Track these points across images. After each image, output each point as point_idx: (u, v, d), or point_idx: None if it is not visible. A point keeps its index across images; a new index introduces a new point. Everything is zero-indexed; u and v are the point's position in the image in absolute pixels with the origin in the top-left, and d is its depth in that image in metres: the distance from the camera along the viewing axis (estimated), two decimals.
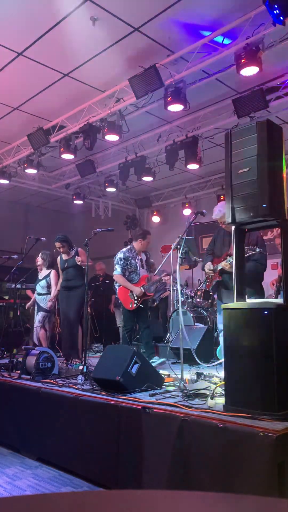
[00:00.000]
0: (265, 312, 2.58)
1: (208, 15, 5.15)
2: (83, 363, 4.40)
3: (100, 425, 3.21)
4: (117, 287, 5.86)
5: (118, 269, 5.64)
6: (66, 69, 6.28)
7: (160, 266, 5.36)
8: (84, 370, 4.16)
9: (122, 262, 5.65)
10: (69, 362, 5.28)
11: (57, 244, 5.97)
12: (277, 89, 6.60)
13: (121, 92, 6.52)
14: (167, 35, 5.56)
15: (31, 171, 8.76)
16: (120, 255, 5.70)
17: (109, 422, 3.12)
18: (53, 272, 6.66)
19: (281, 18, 4.03)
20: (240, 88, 6.67)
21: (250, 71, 5.40)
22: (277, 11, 3.97)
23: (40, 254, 6.94)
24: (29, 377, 4.44)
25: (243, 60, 5.27)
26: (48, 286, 6.70)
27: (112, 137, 7.16)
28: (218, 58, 5.54)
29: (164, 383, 3.68)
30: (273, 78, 6.43)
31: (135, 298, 5.60)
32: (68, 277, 5.95)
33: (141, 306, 5.61)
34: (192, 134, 7.71)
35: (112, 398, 3.22)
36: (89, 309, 7.54)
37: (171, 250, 4.18)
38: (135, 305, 5.59)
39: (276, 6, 3.96)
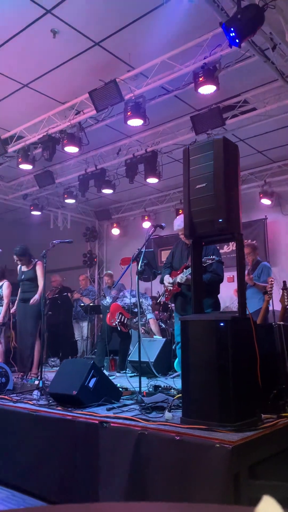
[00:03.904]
0: (221, 324, 2.62)
1: (168, 33, 5.28)
2: (39, 378, 4.30)
3: (56, 441, 3.13)
4: (109, 302, 6.52)
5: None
6: (26, 80, 6.24)
7: (119, 278, 5.37)
8: (40, 385, 4.07)
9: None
10: (25, 376, 5.15)
11: (15, 258, 5.84)
12: (233, 108, 6.84)
13: (81, 104, 6.53)
14: (128, 51, 5.65)
15: None
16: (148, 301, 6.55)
17: (66, 438, 3.05)
18: (5, 284, 6.48)
19: (237, 40, 4.19)
20: (198, 105, 6.85)
21: (207, 89, 5.57)
22: (233, 34, 4.12)
23: None
24: None
25: (200, 79, 5.43)
26: (1, 298, 6.52)
27: (71, 149, 7.15)
28: (177, 75, 5.68)
29: (122, 397, 3.66)
30: (230, 97, 6.66)
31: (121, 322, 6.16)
32: (25, 289, 5.82)
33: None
34: (152, 148, 7.83)
35: (68, 413, 3.16)
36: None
37: (131, 262, 4.20)
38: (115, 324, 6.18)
39: (232, 29, 4.12)
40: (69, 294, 9.46)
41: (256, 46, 5.00)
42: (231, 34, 4.16)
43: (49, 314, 9.05)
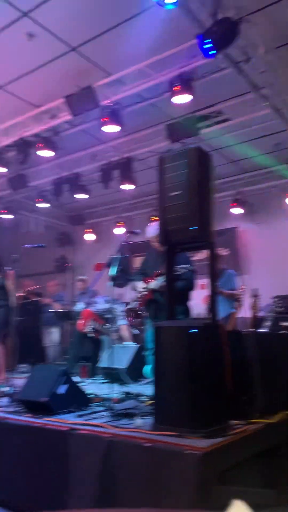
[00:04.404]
0: (193, 331, 2.64)
1: (145, 41, 5.32)
2: (6, 384, 4.21)
3: (25, 449, 3.07)
4: (82, 307, 6.44)
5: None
6: (0, 82, 6.16)
7: (93, 284, 5.35)
8: (10, 391, 3.98)
9: None
10: None
11: None
12: (208, 118, 6.94)
13: (57, 109, 6.50)
14: (104, 57, 5.67)
15: None
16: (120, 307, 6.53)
17: (35, 445, 3.00)
18: None
19: (212, 52, 4.27)
20: (174, 114, 6.92)
21: (183, 99, 5.64)
22: (208, 46, 4.20)
23: None
24: None
25: (176, 88, 5.50)
26: None
27: (46, 153, 7.09)
28: (153, 84, 5.73)
29: (92, 404, 3.62)
30: (205, 107, 6.76)
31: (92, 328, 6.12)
32: None
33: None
34: (127, 155, 7.85)
35: (37, 420, 3.10)
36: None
37: (105, 268, 4.19)
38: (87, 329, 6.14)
39: (207, 41, 4.19)
40: (39, 299, 9.32)
41: (231, 58, 5.11)
42: (206, 46, 4.24)
43: (19, 320, 8.89)
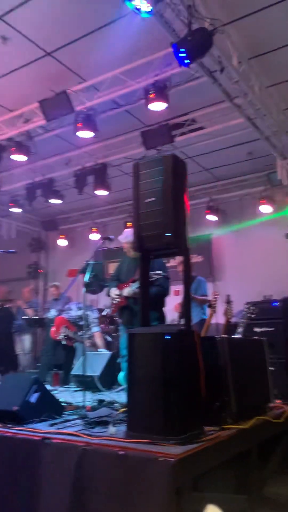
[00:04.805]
0: (167, 337, 2.64)
1: (120, 48, 5.35)
2: None
3: None
4: (54, 315, 6.40)
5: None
6: None
7: (66, 290, 5.29)
8: None
9: None
10: None
11: None
12: (182, 126, 7.02)
13: (31, 113, 6.44)
14: (80, 63, 5.67)
15: None
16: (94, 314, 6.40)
17: (5, 456, 2.92)
18: None
19: (186, 61, 4.32)
20: (148, 121, 6.97)
21: (157, 106, 5.69)
22: (183, 55, 4.25)
23: None
24: None
25: (151, 95, 5.55)
26: None
27: (19, 157, 7.01)
28: (128, 91, 5.76)
29: (65, 412, 3.57)
30: (179, 115, 6.84)
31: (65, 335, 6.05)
32: None
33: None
34: (102, 161, 7.84)
35: (8, 430, 3.03)
36: None
37: (78, 274, 4.15)
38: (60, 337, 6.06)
39: (182, 50, 4.25)
40: (11, 306, 9.15)
41: (205, 67, 5.19)
42: (181, 55, 4.29)
43: None
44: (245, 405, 3.01)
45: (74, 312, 6.21)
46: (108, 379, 5.52)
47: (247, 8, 4.80)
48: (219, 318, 5.19)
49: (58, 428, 2.98)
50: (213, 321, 5.16)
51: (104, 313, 7.78)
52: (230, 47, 5.00)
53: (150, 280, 3.84)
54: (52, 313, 6.81)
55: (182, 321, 2.98)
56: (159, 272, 4.20)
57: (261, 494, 2.89)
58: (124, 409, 3.08)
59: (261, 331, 4.49)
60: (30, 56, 5.52)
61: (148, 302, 3.11)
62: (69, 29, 5.11)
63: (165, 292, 4.49)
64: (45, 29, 5.09)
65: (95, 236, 10.63)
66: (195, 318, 5.51)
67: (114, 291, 4.66)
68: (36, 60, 5.59)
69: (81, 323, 5.88)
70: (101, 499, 2.41)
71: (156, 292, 4.28)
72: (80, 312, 5.97)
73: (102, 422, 3.09)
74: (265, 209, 8.76)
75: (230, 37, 4.96)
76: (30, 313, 8.91)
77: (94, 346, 6.56)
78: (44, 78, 5.91)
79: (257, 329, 4.52)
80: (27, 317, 8.75)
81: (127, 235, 4.53)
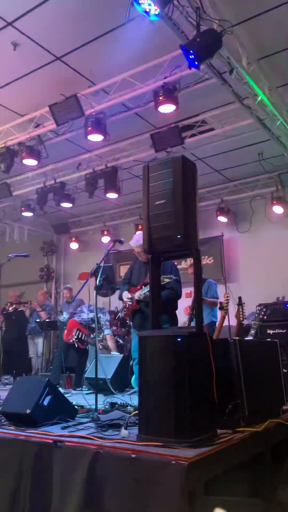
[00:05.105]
0: (178, 339, 2.63)
1: (129, 52, 5.36)
2: None
3: (8, 462, 3.01)
4: (66, 318, 6.52)
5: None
6: None
7: (77, 293, 5.31)
8: None
9: None
10: None
11: None
12: (192, 127, 7.01)
13: (41, 117, 6.49)
14: (89, 66, 5.69)
15: None
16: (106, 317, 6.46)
17: (18, 458, 2.94)
18: None
19: (196, 63, 4.32)
20: (158, 123, 6.98)
21: (167, 108, 5.69)
22: (192, 56, 4.25)
23: None
24: None
25: (160, 98, 5.55)
26: None
27: (30, 162, 7.06)
28: (138, 93, 5.77)
29: (77, 415, 3.57)
30: (189, 117, 6.83)
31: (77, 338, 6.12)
32: None
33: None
34: (112, 164, 7.86)
35: (21, 433, 3.04)
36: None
37: (89, 277, 4.16)
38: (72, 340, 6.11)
39: (191, 51, 4.25)
40: (24, 309, 9.22)
41: (215, 69, 5.18)
42: (190, 56, 4.29)
43: (3, 330, 8.78)
44: (258, 407, 2.98)
45: (86, 314, 6.23)
46: (120, 381, 5.53)
47: (256, 9, 4.79)
48: (231, 320, 5.16)
49: (71, 431, 2.98)
50: (225, 323, 5.14)
51: (116, 316, 7.80)
52: (239, 48, 4.98)
53: (162, 283, 3.83)
54: (65, 316, 6.84)
55: (192, 324, 2.97)
56: (170, 276, 4.19)
57: (275, 497, 2.86)
58: (136, 412, 3.07)
59: (274, 332, 4.46)
60: (40, 61, 5.57)
61: (159, 305, 3.10)
62: (78, 34, 5.14)
63: (176, 296, 4.48)
64: (55, 34, 5.13)
65: (106, 239, 10.67)
66: (204, 320, 5.49)
67: (126, 295, 4.66)
68: (46, 65, 5.64)
69: (93, 325, 5.89)
70: (113, 502, 2.41)
71: (167, 295, 4.27)
72: (91, 315, 5.98)
73: (114, 425, 3.09)
74: (277, 209, 8.70)
75: (239, 38, 4.95)
76: (43, 315, 8.96)
77: (106, 348, 6.57)
78: (54, 83, 5.96)
79: (270, 331, 4.48)
80: (40, 319, 8.81)
81: (137, 239, 4.53)
